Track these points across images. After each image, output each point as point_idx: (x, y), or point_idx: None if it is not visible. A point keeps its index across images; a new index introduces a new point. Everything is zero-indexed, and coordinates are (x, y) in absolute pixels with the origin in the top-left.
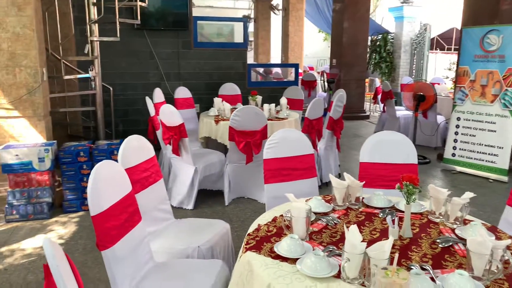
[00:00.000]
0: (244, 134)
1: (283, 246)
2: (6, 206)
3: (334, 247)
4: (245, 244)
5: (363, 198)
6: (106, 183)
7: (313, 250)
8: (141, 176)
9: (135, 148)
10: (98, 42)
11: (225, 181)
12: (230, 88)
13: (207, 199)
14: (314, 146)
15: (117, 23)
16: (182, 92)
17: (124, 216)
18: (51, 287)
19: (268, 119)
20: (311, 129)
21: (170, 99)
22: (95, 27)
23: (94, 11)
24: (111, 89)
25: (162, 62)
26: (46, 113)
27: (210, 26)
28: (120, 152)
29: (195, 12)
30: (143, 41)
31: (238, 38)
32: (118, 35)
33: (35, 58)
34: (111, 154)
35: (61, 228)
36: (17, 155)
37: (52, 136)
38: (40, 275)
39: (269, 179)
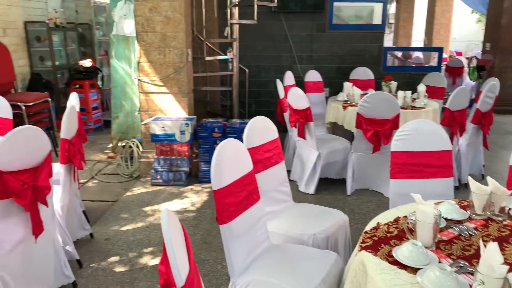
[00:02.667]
0: (373, 122)
1: (403, 252)
2: (152, 171)
3: (466, 263)
4: (361, 242)
5: (509, 209)
6: (228, 161)
7: (439, 262)
8: (264, 157)
9: (260, 129)
10: (237, 25)
11: (349, 170)
12: (363, 73)
13: (329, 185)
14: (452, 141)
15: (255, 6)
16: (313, 76)
17: (243, 194)
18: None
19: (402, 108)
20: (451, 121)
21: (300, 82)
22: (235, 11)
23: None
24: (247, 71)
25: (296, 45)
26: (189, 90)
27: (348, 8)
28: (245, 131)
29: None
30: (279, 24)
31: (377, 20)
32: (256, 18)
33: (182, 40)
34: (241, 133)
35: (195, 196)
36: (163, 127)
37: (193, 112)
38: None
39: (395, 173)
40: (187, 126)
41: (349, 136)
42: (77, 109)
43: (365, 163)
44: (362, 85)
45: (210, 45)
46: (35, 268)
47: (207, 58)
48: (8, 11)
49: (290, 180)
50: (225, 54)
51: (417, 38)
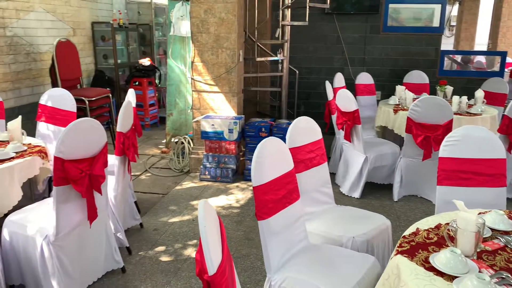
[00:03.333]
0: (424, 127)
1: (440, 259)
2: (201, 167)
3: (509, 275)
4: (398, 247)
5: None
6: (269, 158)
7: (479, 272)
8: (306, 157)
9: (303, 129)
10: (289, 26)
11: (396, 175)
12: (418, 76)
13: (376, 191)
14: (510, 149)
15: (307, 7)
16: (364, 78)
17: (282, 192)
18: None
19: (456, 113)
20: (510, 129)
21: (351, 84)
22: (288, 12)
23: None
24: (297, 72)
25: (348, 47)
26: (239, 90)
27: (407, 10)
28: (289, 131)
29: None
30: (332, 26)
31: (436, 22)
32: (307, 19)
33: (234, 41)
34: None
35: (240, 193)
36: (213, 124)
37: (242, 111)
38: None
39: (443, 180)
40: (235, 124)
41: (399, 141)
42: (134, 105)
43: (414, 169)
44: (416, 89)
45: (262, 46)
46: (88, 251)
47: (258, 59)
48: (78, 13)
49: (335, 184)
50: (276, 56)
51: (481, 42)
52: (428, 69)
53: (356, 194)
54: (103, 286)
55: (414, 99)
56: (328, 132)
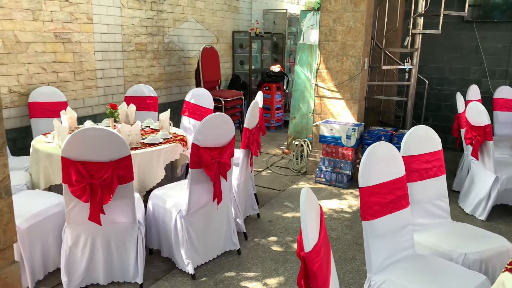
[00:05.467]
0: None
1: None
2: (317, 169)
3: None
4: (508, 264)
5: None
6: (378, 162)
7: None
8: (421, 167)
9: (420, 138)
10: (420, 35)
11: None
12: None
13: (506, 214)
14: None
15: (441, 15)
16: (505, 92)
17: (390, 196)
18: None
19: None
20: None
21: (487, 98)
22: (420, 20)
23: (422, 4)
24: (426, 82)
25: (488, 58)
26: (361, 98)
27: None
28: (404, 139)
29: None
30: (470, 35)
31: None
32: (440, 28)
33: (360, 49)
34: None
35: (353, 199)
36: (331, 129)
37: (362, 119)
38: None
39: None
40: (353, 131)
41: None
42: (260, 106)
43: None
44: None
45: (390, 55)
46: (212, 229)
47: (384, 67)
48: (222, 22)
49: (456, 202)
50: (403, 64)
51: None
52: None
53: (482, 216)
54: (221, 263)
55: None
56: (458, 148)
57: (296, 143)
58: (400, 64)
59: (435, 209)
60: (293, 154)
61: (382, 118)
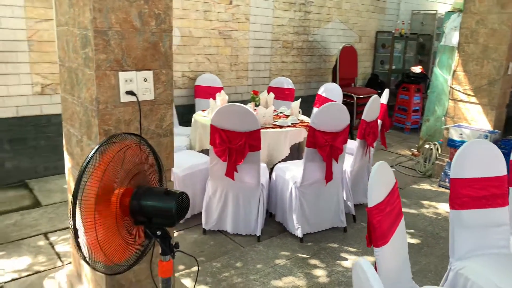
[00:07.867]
0: None
1: None
2: (442, 173)
3: None
4: None
5: None
6: (474, 157)
7: None
8: None
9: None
10: None
11: None
12: None
13: None
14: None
15: None
16: None
17: (484, 192)
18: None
19: None
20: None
21: None
22: None
23: None
24: None
25: None
26: (501, 104)
27: None
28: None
29: None
30: None
31: None
32: None
33: (504, 52)
34: None
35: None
36: (461, 134)
37: (502, 127)
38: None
39: None
40: (485, 137)
41: None
42: (385, 103)
43: None
44: None
45: None
46: (321, 204)
47: None
48: (366, 23)
49: None
50: None
51: None
52: None
53: None
54: (327, 235)
55: None
56: None
57: (427, 146)
58: None
59: None
60: (422, 157)
61: None
